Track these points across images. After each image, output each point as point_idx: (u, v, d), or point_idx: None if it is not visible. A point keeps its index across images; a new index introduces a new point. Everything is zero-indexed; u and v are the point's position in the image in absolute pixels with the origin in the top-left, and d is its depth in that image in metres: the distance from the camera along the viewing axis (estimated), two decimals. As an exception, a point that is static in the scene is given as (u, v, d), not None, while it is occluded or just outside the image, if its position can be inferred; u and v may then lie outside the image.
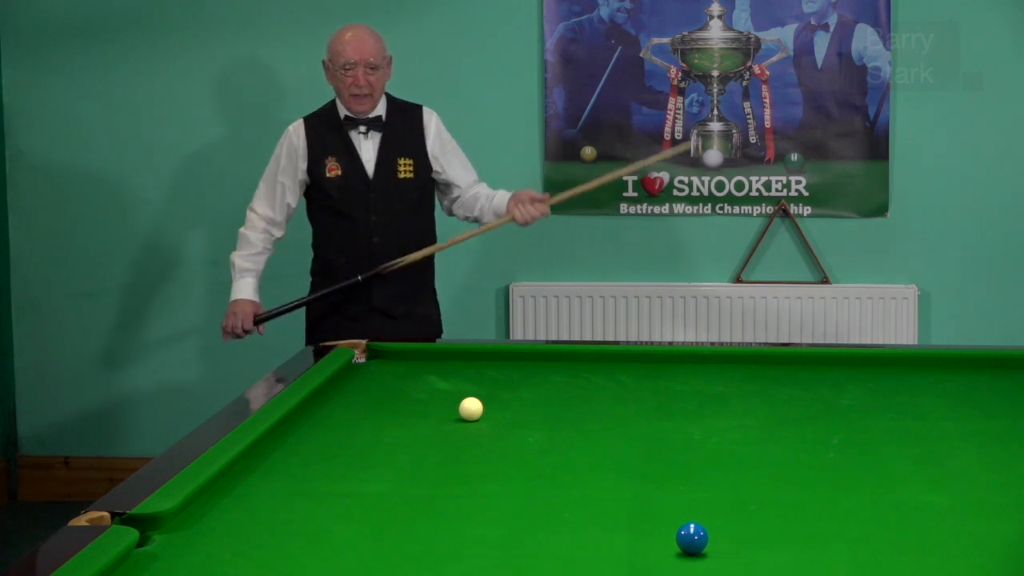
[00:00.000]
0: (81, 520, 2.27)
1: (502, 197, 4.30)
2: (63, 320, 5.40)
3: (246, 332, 4.25)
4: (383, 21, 5.16)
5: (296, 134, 4.27)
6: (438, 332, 4.41)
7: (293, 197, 4.30)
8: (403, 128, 4.28)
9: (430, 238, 4.35)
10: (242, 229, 4.33)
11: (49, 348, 5.42)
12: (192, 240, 5.30)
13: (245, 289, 4.27)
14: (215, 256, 5.12)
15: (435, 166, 4.31)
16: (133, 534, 2.22)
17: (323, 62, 4.27)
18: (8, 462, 5.44)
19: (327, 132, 4.25)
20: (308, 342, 4.34)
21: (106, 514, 2.29)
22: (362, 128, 4.24)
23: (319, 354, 3.59)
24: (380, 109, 4.26)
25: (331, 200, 4.25)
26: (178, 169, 5.31)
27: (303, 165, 4.25)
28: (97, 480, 5.20)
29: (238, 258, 4.30)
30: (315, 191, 4.28)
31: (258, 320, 4.24)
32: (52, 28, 5.27)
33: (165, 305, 5.37)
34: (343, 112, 4.25)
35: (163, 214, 5.33)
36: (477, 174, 4.40)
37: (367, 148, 4.25)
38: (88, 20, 5.27)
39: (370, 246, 4.23)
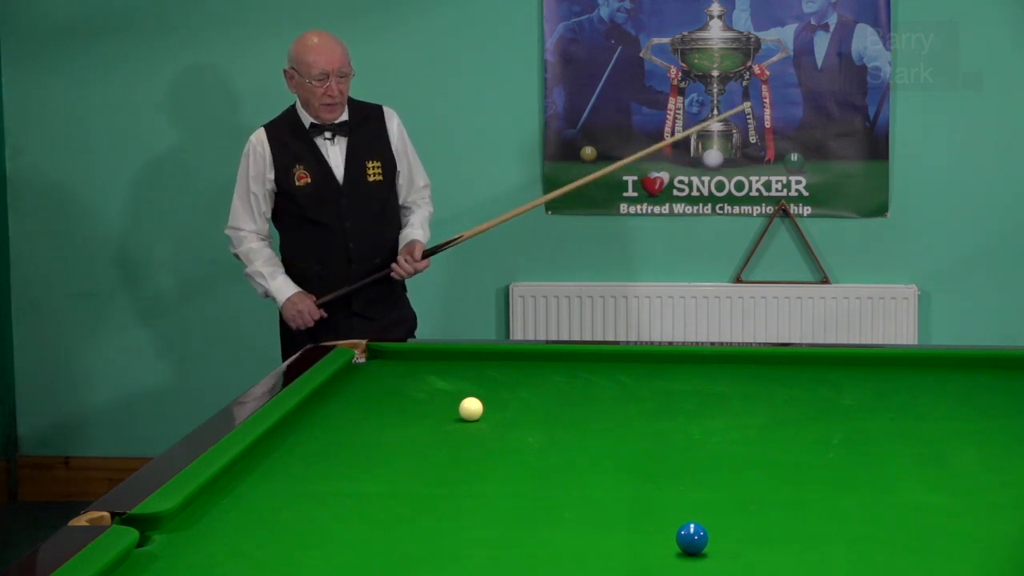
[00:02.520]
0: (81, 520, 2.27)
1: (408, 233, 4.34)
2: (63, 320, 5.40)
3: (315, 320, 4.24)
4: (383, 21, 5.18)
5: (260, 143, 4.25)
6: (413, 330, 4.42)
7: (267, 206, 4.30)
8: (368, 130, 4.29)
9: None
10: (236, 250, 4.33)
11: (49, 348, 5.42)
12: (192, 239, 5.29)
13: (288, 284, 4.26)
14: (215, 256, 5.12)
15: (399, 165, 4.31)
16: (133, 534, 2.22)
17: (285, 71, 4.25)
18: (8, 462, 5.44)
19: (292, 140, 4.24)
20: (283, 348, 4.35)
21: (106, 514, 2.29)
22: (327, 134, 4.23)
23: (319, 354, 3.59)
24: (344, 114, 4.26)
25: (301, 208, 4.24)
26: (179, 169, 5.31)
27: (270, 175, 4.24)
28: (97, 480, 5.20)
29: (258, 266, 4.27)
30: (283, 200, 4.27)
31: (320, 304, 4.24)
32: (52, 28, 5.27)
33: (165, 305, 5.37)
34: (307, 119, 4.24)
35: (163, 214, 5.33)
36: (428, 182, 4.42)
37: (334, 154, 4.25)
38: (88, 20, 5.27)
39: (347, 252, 4.25)
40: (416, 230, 4.34)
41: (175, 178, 5.31)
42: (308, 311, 4.22)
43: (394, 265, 4.26)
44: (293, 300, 4.23)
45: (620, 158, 5.06)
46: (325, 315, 4.26)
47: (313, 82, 4.15)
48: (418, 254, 4.26)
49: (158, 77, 5.26)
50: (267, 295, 4.30)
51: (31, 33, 5.27)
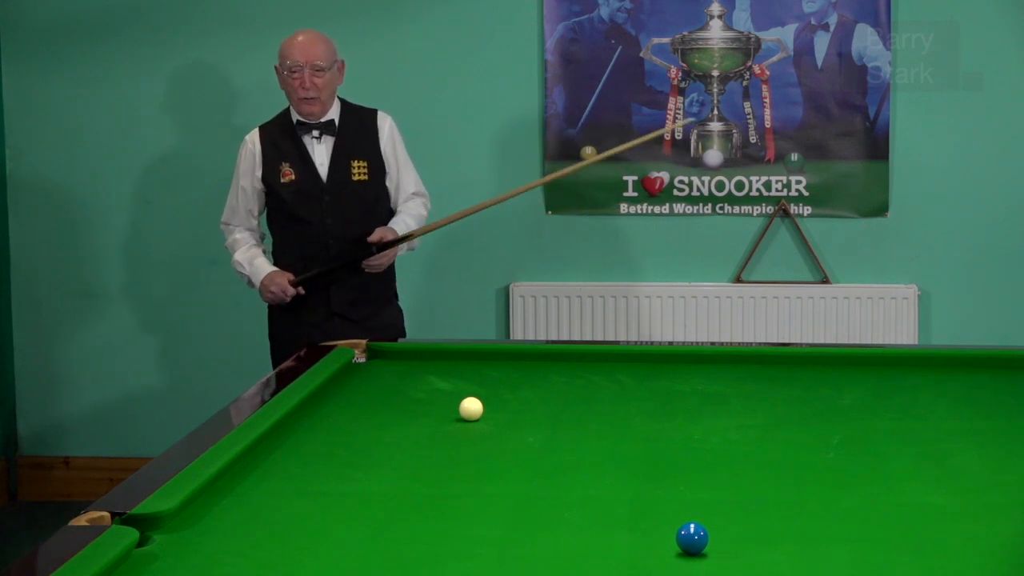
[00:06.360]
0: (81, 520, 2.27)
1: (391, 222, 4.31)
2: (63, 320, 5.40)
3: (290, 297, 4.24)
4: (383, 21, 5.18)
5: (252, 142, 4.32)
6: (401, 336, 4.41)
7: (256, 204, 4.34)
8: (356, 131, 4.30)
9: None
10: (226, 243, 4.39)
11: (49, 348, 5.42)
12: (192, 239, 5.29)
13: (265, 265, 4.30)
14: (215, 255, 5.11)
15: (387, 168, 4.32)
16: (133, 534, 2.22)
17: (274, 67, 4.29)
18: (8, 462, 5.44)
19: (281, 138, 4.28)
20: (271, 349, 4.36)
21: (106, 514, 2.29)
22: (315, 133, 4.26)
23: (319, 354, 3.59)
24: (333, 113, 4.29)
25: (286, 205, 4.27)
26: (179, 169, 5.31)
27: (258, 172, 4.29)
28: (97, 480, 5.20)
29: (240, 255, 4.34)
30: (271, 197, 4.31)
31: (295, 283, 4.24)
32: (52, 28, 5.27)
33: (165, 305, 5.38)
34: (295, 117, 4.27)
35: (163, 214, 5.33)
36: (421, 189, 4.40)
37: (320, 152, 4.27)
38: (88, 20, 5.27)
39: (326, 249, 4.25)
40: (398, 219, 4.32)
41: (175, 178, 5.31)
42: (282, 288, 4.22)
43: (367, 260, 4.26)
44: (265, 282, 4.26)
45: (620, 158, 5.06)
46: (302, 291, 4.24)
47: (287, 73, 4.20)
48: (374, 237, 4.21)
49: (158, 77, 5.26)
50: (251, 283, 4.32)
51: (31, 33, 5.27)
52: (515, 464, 2.78)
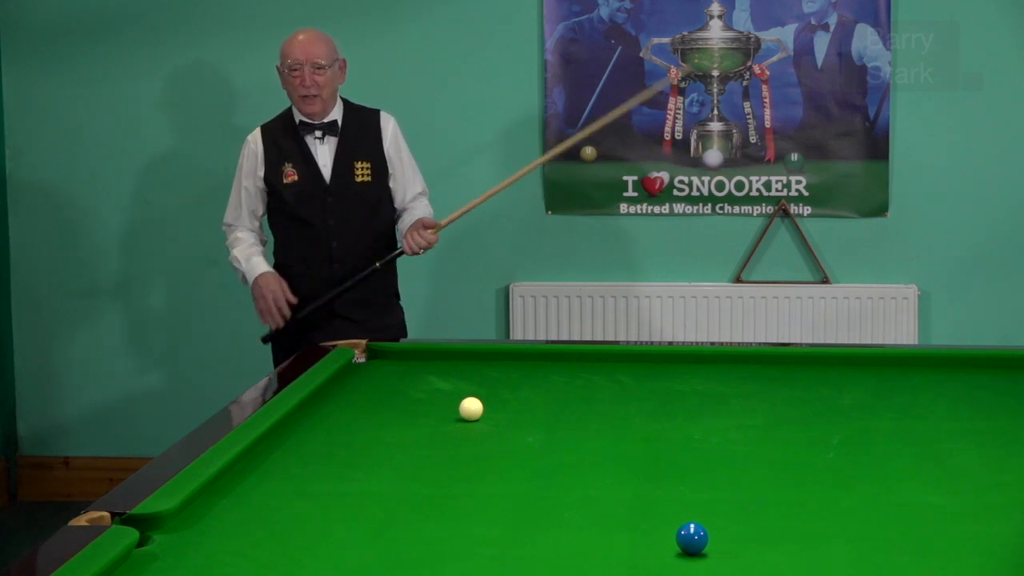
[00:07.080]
0: (81, 520, 2.27)
1: (409, 219, 4.30)
2: (63, 320, 5.40)
3: (285, 318, 4.20)
4: (383, 21, 5.18)
5: (254, 142, 4.30)
6: (403, 336, 4.41)
7: (259, 204, 4.33)
8: (359, 132, 4.29)
9: (390, 241, 4.35)
10: (227, 243, 4.37)
11: (49, 348, 5.42)
12: (192, 239, 5.29)
13: (260, 264, 4.27)
14: (215, 256, 5.12)
15: (390, 168, 4.31)
16: (133, 534, 2.22)
17: (276, 67, 4.28)
18: (8, 462, 5.44)
19: (283, 138, 4.27)
20: (272, 349, 4.35)
21: (106, 514, 2.29)
22: (318, 133, 4.25)
23: (319, 354, 3.59)
24: (336, 114, 4.28)
25: (288, 206, 4.26)
26: (179, 169, 5.31)
27: (260, 172, 4.27)
28: (97, 480, 5.20)
29: (237, 252, 4.31)
30: (273, 198, 4.29)
31: (295, 316, 4.21)
32: (52, 28, 5.27)
33: (165, 305, 5.38)
34: (298, 118, 4.26)
35: (163, 214, 5.33)
36: (426, 189, 4.41)
37: (323, 153, 4.26)
38: (88, 20, 5.27)
39: (329, 250, 4.24)
40: (419, 212, 4.33)
41: (175, 178, 5.31)
42: (274, 297, 4.19)
43: (405, 239, 4.25)
44: (260, 282, 4.22)
45: (620, 158, 5.07)
46: (295, 301, 4.21)
47: (288, 72, 4.20)
48: (429, 223, 4.24)
49: (158, 77, 5.26)
50: (245, 280, 4.30)
51: (31, 33, 5.27)
52: (515, 464, 2.79)
